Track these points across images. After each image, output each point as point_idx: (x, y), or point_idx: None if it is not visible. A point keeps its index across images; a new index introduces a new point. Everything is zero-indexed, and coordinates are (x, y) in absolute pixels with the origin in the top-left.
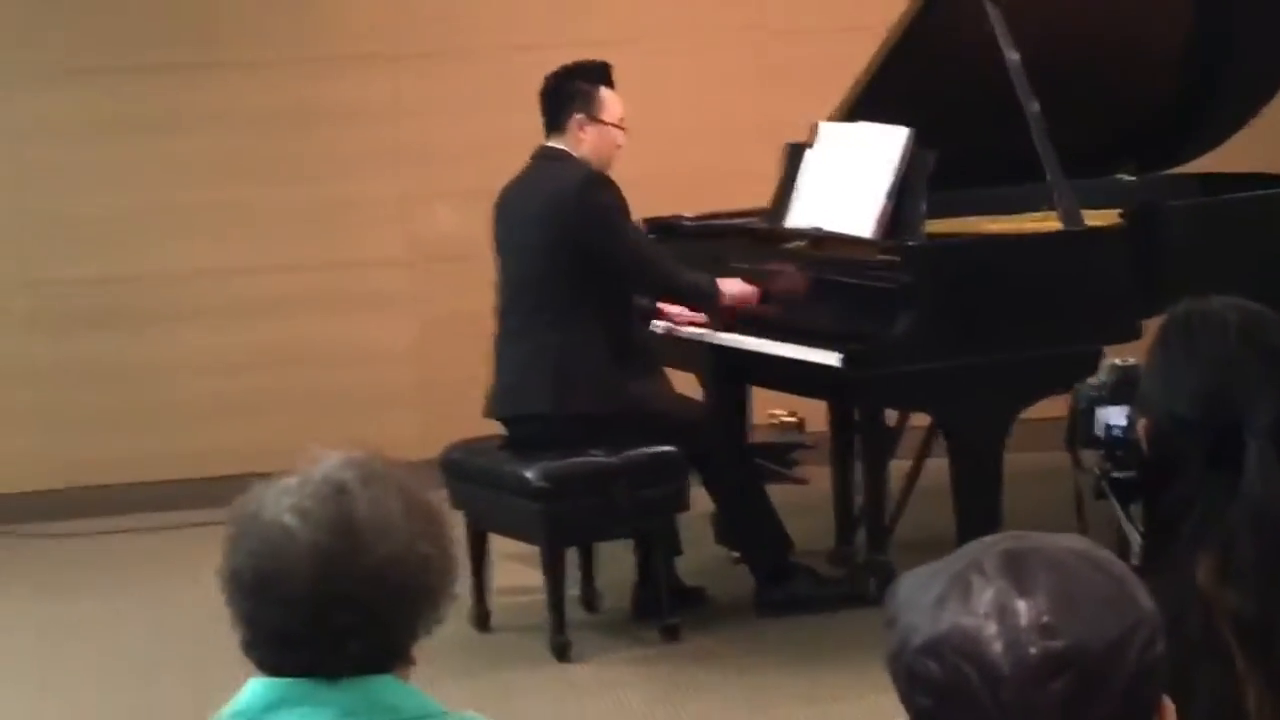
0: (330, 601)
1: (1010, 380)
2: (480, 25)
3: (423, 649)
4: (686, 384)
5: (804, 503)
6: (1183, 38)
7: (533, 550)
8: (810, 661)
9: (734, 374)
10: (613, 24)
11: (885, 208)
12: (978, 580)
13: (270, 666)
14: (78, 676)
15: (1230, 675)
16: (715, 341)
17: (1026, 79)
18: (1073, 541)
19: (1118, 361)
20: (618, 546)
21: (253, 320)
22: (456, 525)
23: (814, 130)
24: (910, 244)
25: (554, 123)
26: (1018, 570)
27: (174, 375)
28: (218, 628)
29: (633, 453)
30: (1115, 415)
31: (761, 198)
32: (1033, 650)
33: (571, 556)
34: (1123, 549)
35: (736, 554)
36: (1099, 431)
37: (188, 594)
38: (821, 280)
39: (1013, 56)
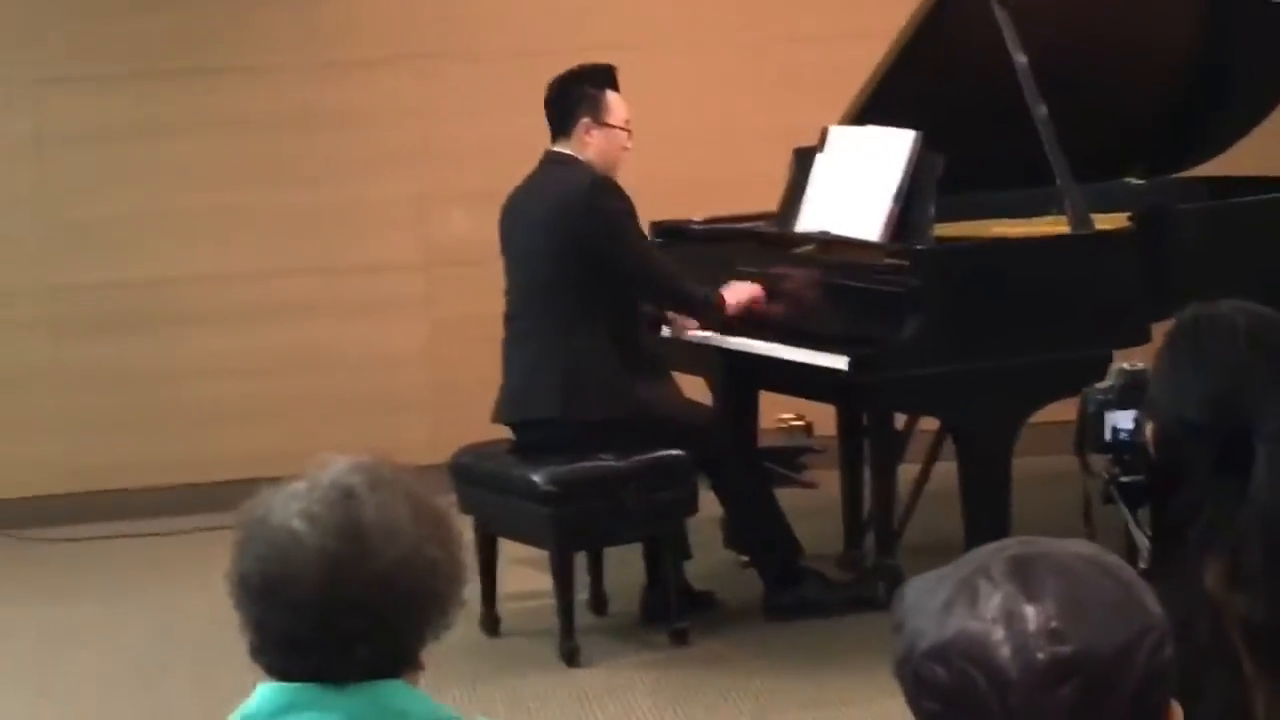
0: (338, 606)
1: (1019, 384)
2: (489, 29)
3: (432, 654)
4: (695, 388)
5: (813, 507)
6: (1191, 41)
7: (542, 555)
8: (819, 666)
9: (743, 378)
10: (621, 27)
11: (893, 211)
12: (985, 585)
13: (279, 671)
14: (87, 681)
15: (1239, 680)
16: (724, 346)
17: (1034, 82)
18: (1081, 547)
19: (1126, 366)
20: (627, 551)
21: (264, 324)
22: (466, 530)
23: (823, 134)
24: (918, 248)
25: (560, 127)
26: (1025, 575)
27: (186, 379)
28: (226, 632)
29: (641, 457)
30: (1124, 419)
31: (770, 202)
32: (1041, 655)
33: (580, 561)
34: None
35: (745, 558)
36: (1107, 436)
37: (199, 598)
38: (829, 284)
39: (1020, 59)
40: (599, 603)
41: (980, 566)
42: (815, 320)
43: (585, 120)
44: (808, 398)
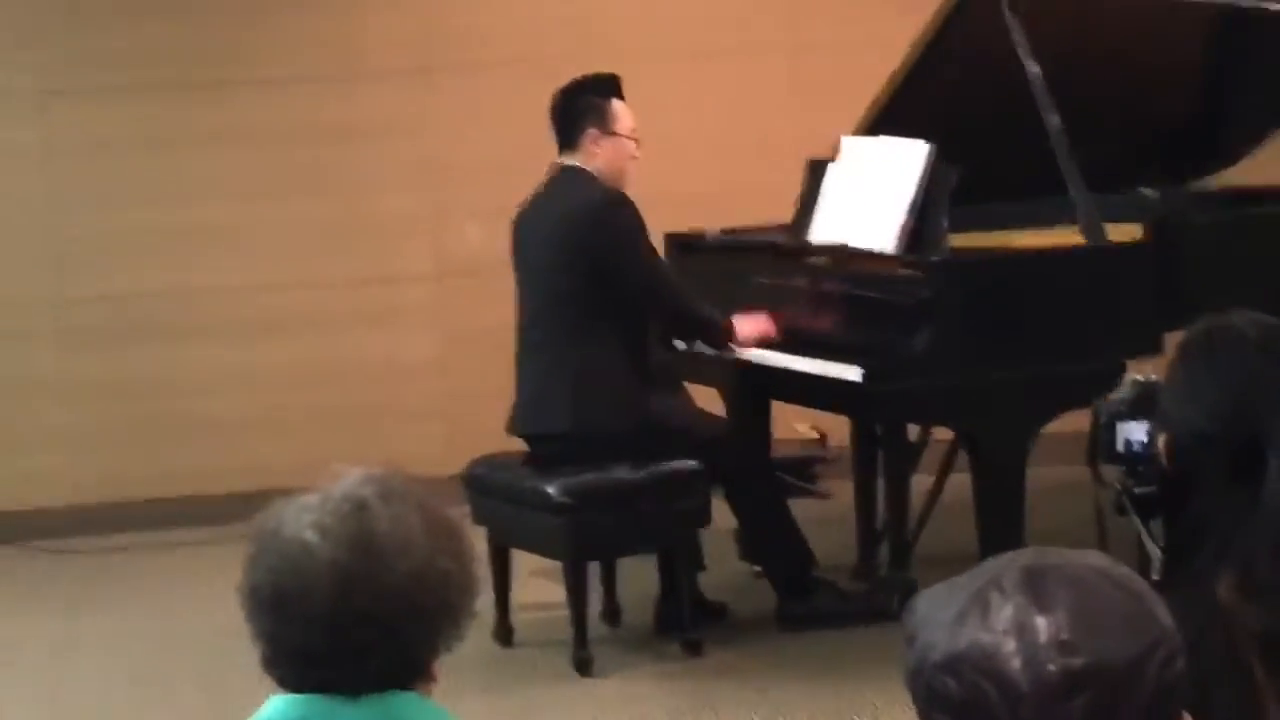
0: (350, 618)
1: (1032, 395)
2: (505, 40)
3: (446, 664)
4: (709, 399)
5: (826, 517)
6: (1204, 52)
7: (555, 565)
8: (832, 676)
9: (756, 389)
10: (633, 38)
11: (907, 222)
12: (996, 597)
13: (291, 683)
14: (95, 693)
15: (1251, 691)
16: (737, 356)
17: (1047, 92)
18: (1092, 558)
19: (1138, 377)
20: (640, 561)
21: (275, 336)
22: (479, 541)
23: (837, 145)
24: (932, 259)
25: (567, 139)
26: (1037, 587)
27: (196, 391)
28: (235, 644)
29: (655, 468)
30: (1136, 430)
31: (782, 213)
32: (1052, 667)
33: (594, 571)
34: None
35: (759, 569)
36: (1120, 447)
37: (209, 611)
38: (843, 295)
39: (1033, 69)
40: (612, 613)
41: (992, 578)
42: (829, 331)
43: (592, 131)
44: (822, 408)
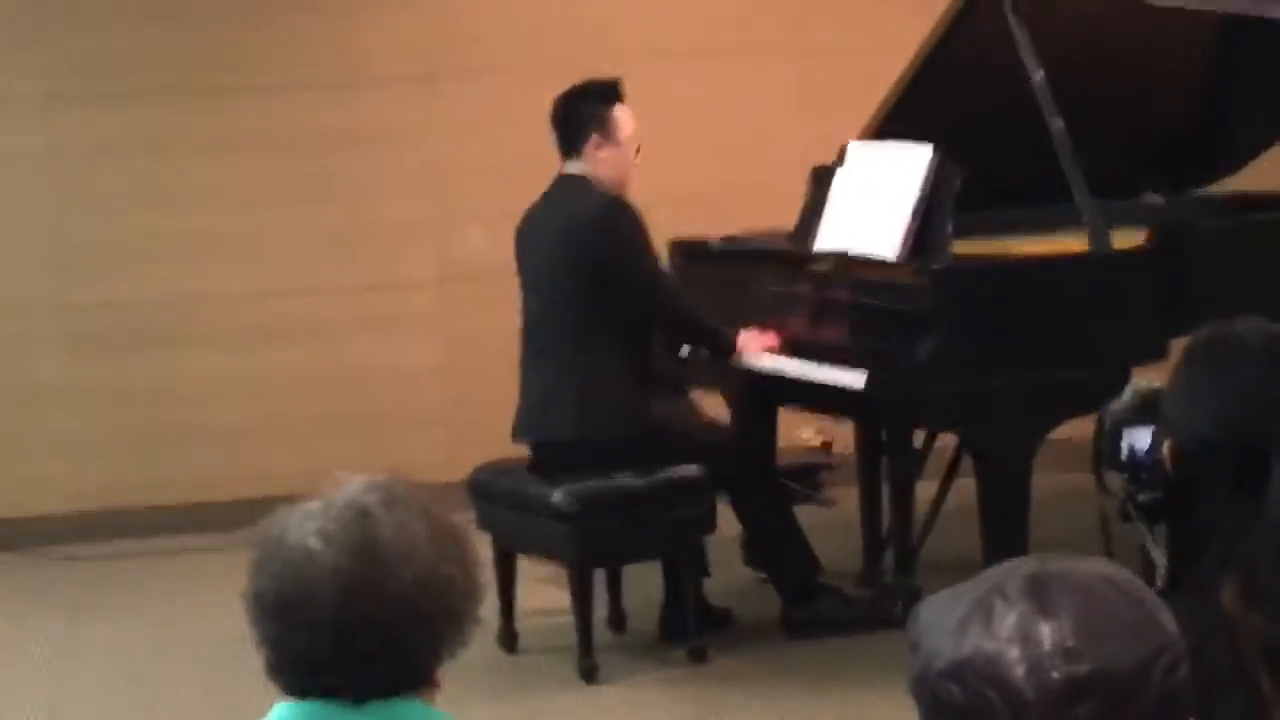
0: (354, 625)
1: (1037, 402)
2: (509, 46)
3: (450, 670)
4: (714, 406)
5: (831, 524)
6: (1209, 58)
7: (560, 572)
8: (837, 683)
9: (761, 395)
10: (638, 43)
11: (910, 228)
12: (1000, 604)
13: (296, 690)
14: (97, 699)
15: (1256, 699)
16: (742, 363)
17: (1052, 97)
18: (1097, 565)
19: (1143, 384)
20: (645, 568)
21: (279, 343)
22: (483, 547)
23: (842, 150)
24: (936, 266)
25: (569, 147)
26: (1041, 594)
27: (200, 398)
28: (239, 651)
29: (660, 475)
30: (1140, 437)
31: (786, 218)
32: (1055, 675)
33: (599, 578)
34: (1148, 572)
35: (764, 575)
36: (1124, 454)
37: (214, 617)
38: (848, 302)
39: (1038, 75)
40: (617, 620)
41: (996, 585)
42: (834, 338)
43: (595, 139)
44: (826, 415)
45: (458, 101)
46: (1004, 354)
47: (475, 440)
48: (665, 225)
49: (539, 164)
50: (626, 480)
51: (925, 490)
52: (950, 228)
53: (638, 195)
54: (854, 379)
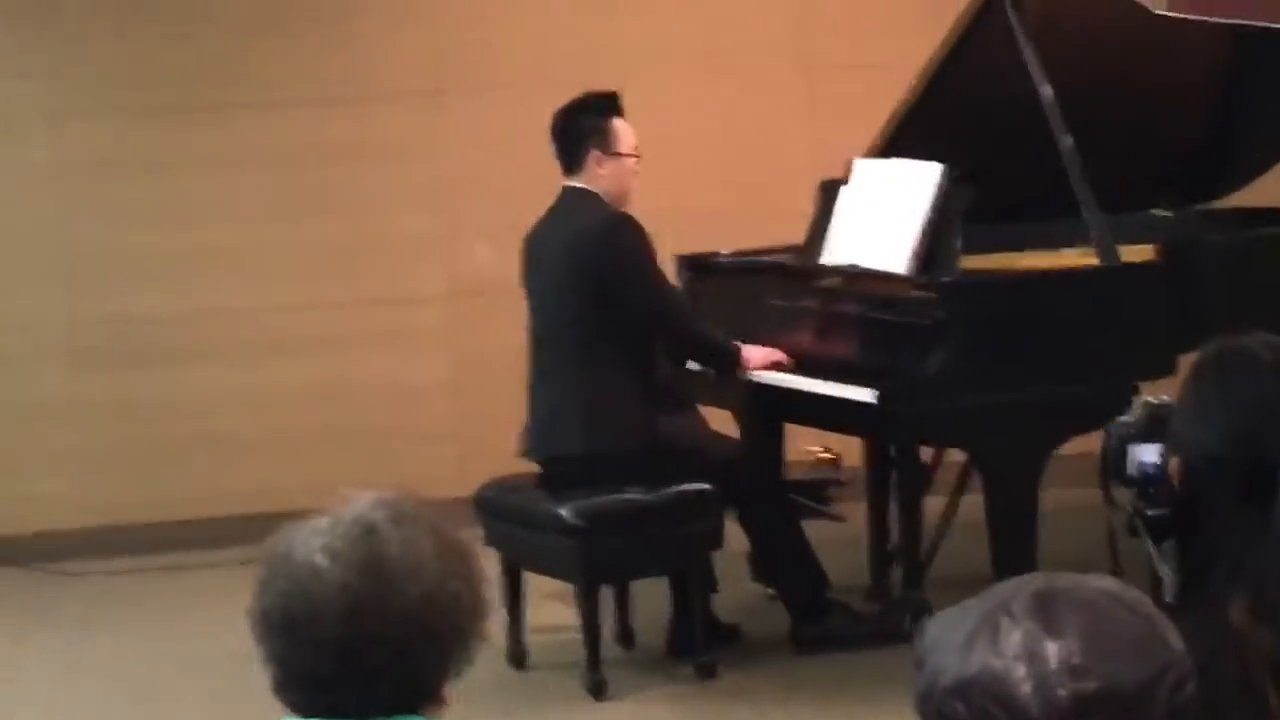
0: (360, 643)
1: (1045, 417)
2: (517, 61)
3: (458, 688)
4: (722, 421)
5: (840, 539)
6: (1218, 73)
7: (568, 588)
8: (846, 698)
9: (769, 410)
10: (651, 57)
11: (920, 244)
12: (1006, 622)
13: (302, 707)
14: (102, 716)
15: (1263, 715)
16: (750, 378)
17: (1060, 113)
18: (1103, 582)
19: (1150, 399)
20: (653, 584)
21: (287, 358)
22: (491, 563)
23: (849, 166)
24: (945, 280)
25: (570, 161)
26: (1047, 611)
27: (208, 413)
28: (244, 667)
29: (667, 490)
30: (1148, 453)
31: (793, 233)
32: (1062, 692)
33: (607, 594)
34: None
35: (772, 591)
36: (1132, 469)
37: (220, 633)
38: (856, 317)
39: (1046, 91)
40: (625, 636)
41: (1001, 602)
42: (842, 353)
43: (595, 152)
44: (835, 430)
45: (465, 116)
46: (1013, 369)
47: (483, 456)
48: (672, 239)
49: (546, 179)
50: (634, 496)
51: (934, 505)
52: (959, 243)
53: (644, 209)
54: (864, 394)
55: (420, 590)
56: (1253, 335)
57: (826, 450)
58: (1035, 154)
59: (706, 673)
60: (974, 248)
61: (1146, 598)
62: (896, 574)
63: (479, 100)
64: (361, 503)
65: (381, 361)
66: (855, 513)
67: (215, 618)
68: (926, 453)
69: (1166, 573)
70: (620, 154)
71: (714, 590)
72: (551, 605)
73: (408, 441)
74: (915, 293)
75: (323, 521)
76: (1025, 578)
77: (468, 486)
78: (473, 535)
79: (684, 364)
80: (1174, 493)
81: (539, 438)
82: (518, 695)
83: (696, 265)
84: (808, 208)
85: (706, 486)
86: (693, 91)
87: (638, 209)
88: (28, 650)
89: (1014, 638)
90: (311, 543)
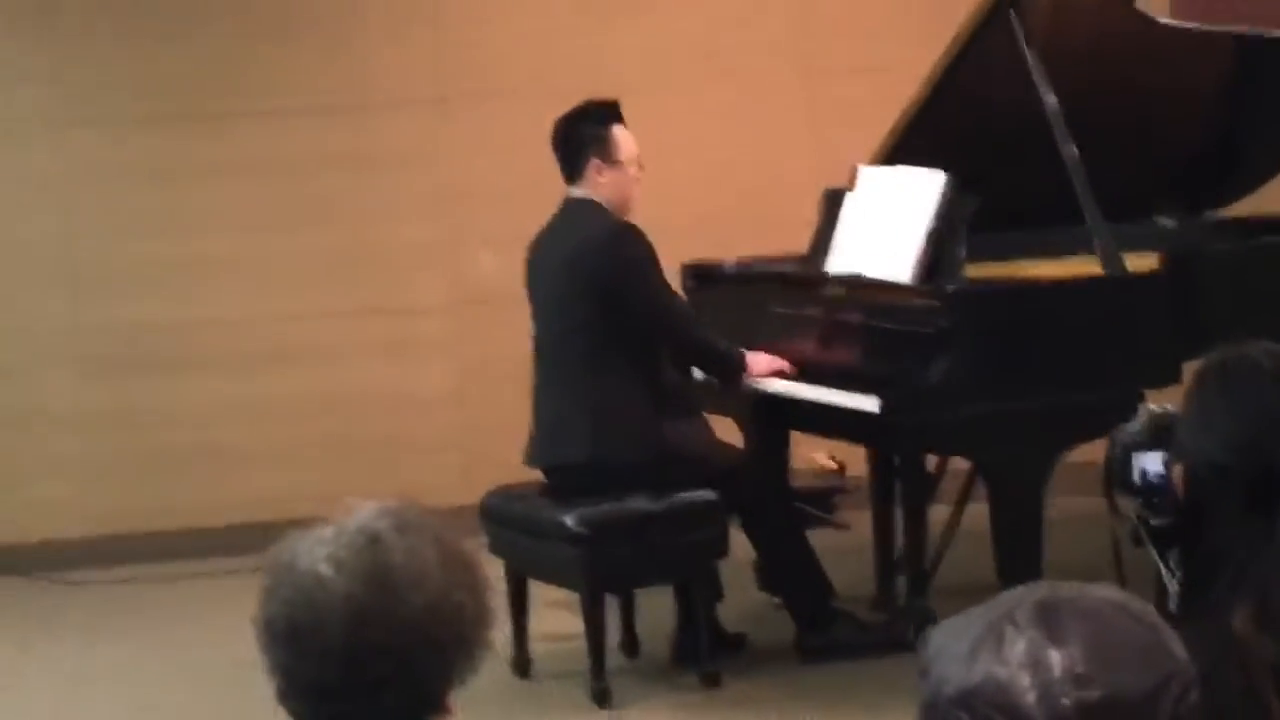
0: (365, 652)
1: (1050, 425)
2: (520, 69)
3: (463, 696)
4: (727, 429)
5: (845, 548)
6: (1221, 82)
7: (573, 596)
8: (851, 707)
9: (774, 419)
10: (654, 65)
11: (924, 252)
12: (1010, 631)
13: (306, 717)
14: None
15: None
16: (755, 387)
17: (1064, 122)
18: (1107, 591)
19: (1154, 407)
20: (658, 592)
21: (291, 367)
22: (496, 572)
23: (853, 174)
24: (949, 288)
25: (572, 171)
26: (1051, 621)
27: (212, 422)
28: (248, 676)
29: (672, 498)
30: (1152, 461)
31: (796, 242)
32: (1066, 701)
33: (612, 603)
34: (1161, 596)
35: (777, 600)
36: (1135, 477)
37: (224, 642)
38: (860, 325)
39: (1050, 99)
40: (630, 645)
41: (1006, 611)
42: (846, 361)
43: (595, 161)
44: (840, 439)
45: (468, 124)
46: (1017, 378)
47: (487, 464)
48: (676, 248)
49: (549, 187)
50: (639, 504)
51: (938, 514)
52: (963, 253)
53: (647, 218)
54: (868, 403)
55: (425, 599)
56: (1256, 344)
57: (832, 459)
58: (1039, 162)
59: (711, 682)
60: (978, 256)
61: (1151, 606)
62: (901, 583)
63: (481, 108)
64: (366, 512)
65: (385, 370)
66: (860, 521)
67: (219, 626)
68: (931, 461)
69: (1171, 581)
70: (620, 162)
71: (719, 599)
72: (556, 613)
73: (412, 451)
74: (919, 301)
75: (327, 530)
76: (1029, 586)
77: (472, 495)
78: (477, 544)
79: (688, 372)
80: (1178, 501)
81: (543, 446)
82: (522, 704)
83: (701, 274)
84: (809, 212)
85: (711, 495)
86: (694, 99)
87: (639, 214)
88: (31, 659)
89: (1018, 647)
90: (316, 552)
